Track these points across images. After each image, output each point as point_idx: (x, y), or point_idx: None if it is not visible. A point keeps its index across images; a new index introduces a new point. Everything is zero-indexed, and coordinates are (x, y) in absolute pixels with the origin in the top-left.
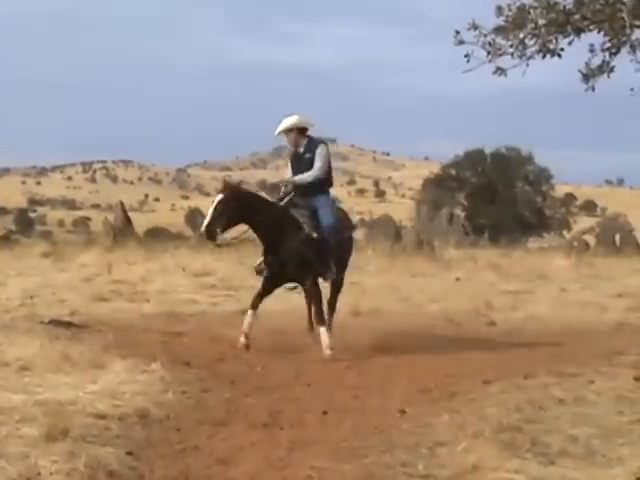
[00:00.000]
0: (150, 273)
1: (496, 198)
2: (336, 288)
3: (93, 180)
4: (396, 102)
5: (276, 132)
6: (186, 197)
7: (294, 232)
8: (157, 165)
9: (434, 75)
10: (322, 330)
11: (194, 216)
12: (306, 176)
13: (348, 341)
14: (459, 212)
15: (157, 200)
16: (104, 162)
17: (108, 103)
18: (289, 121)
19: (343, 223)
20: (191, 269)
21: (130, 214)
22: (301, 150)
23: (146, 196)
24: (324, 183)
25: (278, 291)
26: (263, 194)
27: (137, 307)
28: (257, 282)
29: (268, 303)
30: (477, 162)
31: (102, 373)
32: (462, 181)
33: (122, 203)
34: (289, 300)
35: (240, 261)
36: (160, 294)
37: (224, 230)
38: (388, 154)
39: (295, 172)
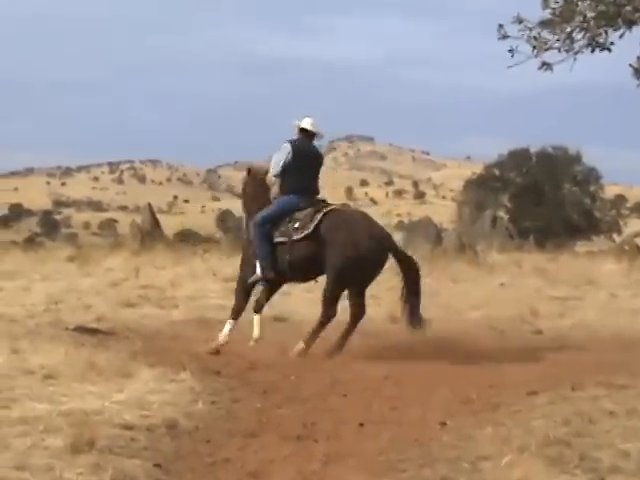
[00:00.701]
0: (179, 278)
1: (542, 200)
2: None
3: (120, 181)
4: (435, 99)
5: (316, 128)
6: (217, 199)
7: None
8: (186, 165)
9: (476, 70)
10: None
11: (225, 218)
12: None
13: (385, 349)
14: (503, 214)
15: (186, 202)
16: (132, 162)
17: (136, 101)
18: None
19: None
20: (222, 274)
21: (158, 216)
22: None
23: (175, 197)
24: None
25: (311, 295)
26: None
27: (165, 313)
28: (291, 287)
29: (302, 307)
30: (522, 162)
31: (129, 382)
32: (506, 182)
33: (150, 205)
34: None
35: None
36: (189, 300)
37: (251, 214)
38: (428, 153)
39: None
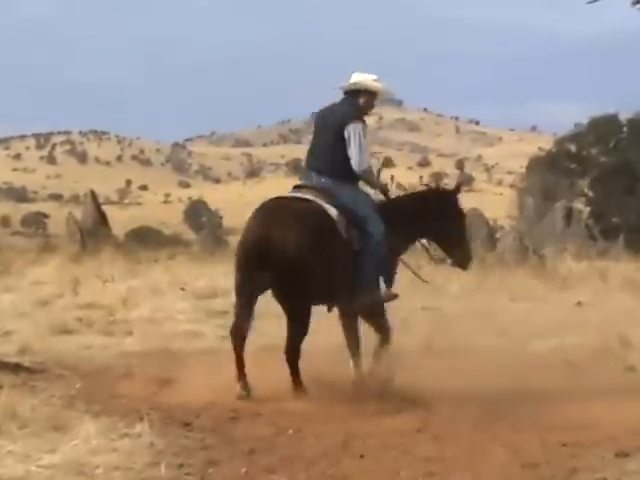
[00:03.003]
0: (133, 294)
1: (636, 186)
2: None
3: (52, 160)
4: (486, 47)
5: (386, 91)
6: (186, 184)
7: None
8: (143, 139)
9: (541, 8)
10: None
11: (197, 212)
12: None
13: (418, 391)
14: (581, 207)
15: (144, 188)
16: (68, 134)
17: (73, 49)
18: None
19: None
20: (193, 288)
21: (105, 208)
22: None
23: (128, 183)
24: None
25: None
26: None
27: (115, 342)
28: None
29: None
30: (608, 134)
31: (65, 438)
32: (586, 162)
33: (93, 193)
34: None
35: None
36: (148, 324)
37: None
38: (477, 123)
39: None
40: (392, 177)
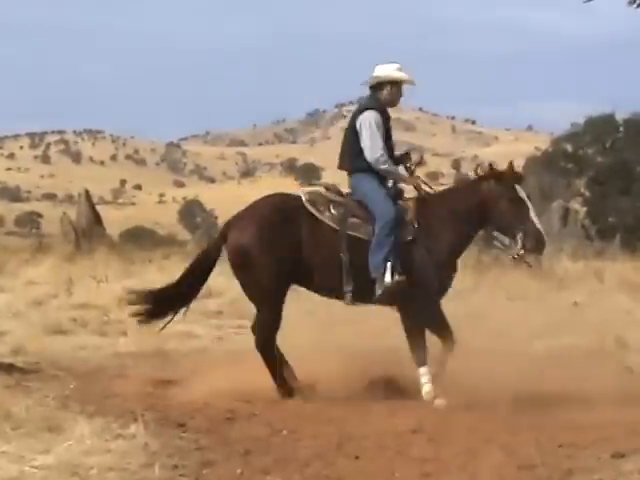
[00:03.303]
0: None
1: (633, 186)
2: None
3: (46, 159)
4: (484, 47)
5: (404, 77)
6: (180, 184)
7: None
8: (138, 138)
9: (540, 8)
10: None
11: (191, 211)
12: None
13: (413, 392)
14: (578, 207)
15: (138, 188)
16: (62, 133)
17: (69, 49)
18: (402, 70)
19: None
20: None
21: (100, 208)
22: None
23: (123, 183)
24: None
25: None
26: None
27: (109, 343)
28: (285, 307)
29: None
30: (605, 133)
31: (59, 439)
32: (582, 161)
33: (88, 193)
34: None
35: None
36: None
37: None
38: (474, 122)
39: (383, 146)
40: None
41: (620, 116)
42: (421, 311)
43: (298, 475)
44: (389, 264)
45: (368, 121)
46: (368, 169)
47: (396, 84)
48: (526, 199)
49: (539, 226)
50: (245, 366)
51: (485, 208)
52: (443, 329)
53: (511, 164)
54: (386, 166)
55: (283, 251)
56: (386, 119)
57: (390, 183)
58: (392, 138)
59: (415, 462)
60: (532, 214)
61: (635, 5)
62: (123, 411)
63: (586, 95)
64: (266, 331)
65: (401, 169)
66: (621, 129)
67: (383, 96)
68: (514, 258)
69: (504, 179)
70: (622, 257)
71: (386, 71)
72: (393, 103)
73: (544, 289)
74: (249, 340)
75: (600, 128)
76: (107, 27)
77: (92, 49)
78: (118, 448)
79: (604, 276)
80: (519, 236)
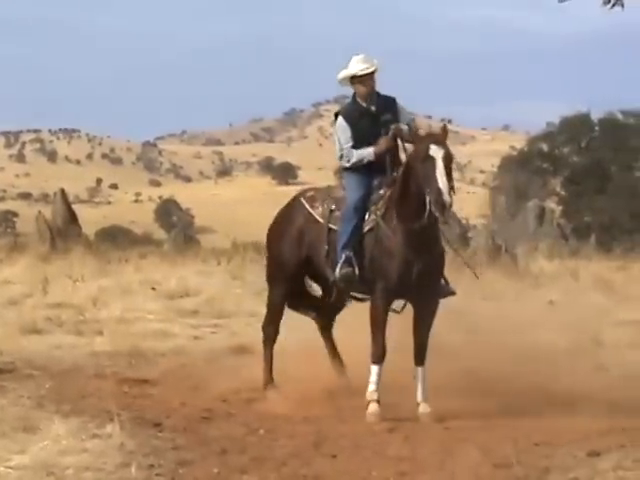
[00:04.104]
0: (104, 293)
1: (608, 185)
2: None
3: (21, 158)
4: (458, 46)
5: (356, 71)
6: (157, 183)
7: None
8: (114, 137)
9: (515, 6)
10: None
11: (168, 210)
12: None
13: (389, 390)
14: (553, 206)
15: (114, 187)
16: (37, 132)
17: (44, 48)
18: (367, 61)
19: None
20: (164, 288)
21: (75, 207)
22: (373, 108)
23: (99, 182)
24: None
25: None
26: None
27: (85, 342)
28: (261, 306)
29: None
30: (580, 133)
31: (34, 438)
32: (558, 161)
33: (64, 192)
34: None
35: (233, 275)
36: (118, 323)
37: None
38: (450, 121)
39: (368, 139)
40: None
41: (595, 116)
42: (372, 306)
43: (275, 474)
44: (344, 255)
45: (335, 128)
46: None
47: (356, 78)
48: (438, 157)
49: (441, 185)
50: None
51: (408, 176)
52: (374, 336)
53: (444, 126)
54: (350, 161)
55: (286, 242)
56: (361, 113)
57: (377, 176)
58: (378, 123)
59: (392, 461)
60: (438, 172)
61: (610, 5)
62: (99, 411)
63: (562, 95)
64: (269, 311)
65: (368, 149)
66: (596, 129)
67: (358, 93)
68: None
69: (420, 140)
70: (597, 256)
71: (343, 71)
72: (363, 96)
73: (520, 288)
74: (225, 339)
75: (575, 128)
76: (83, 26)
77: (68, 48)
78: (94, 448)
79: (579, 275)
80: (427, 198)
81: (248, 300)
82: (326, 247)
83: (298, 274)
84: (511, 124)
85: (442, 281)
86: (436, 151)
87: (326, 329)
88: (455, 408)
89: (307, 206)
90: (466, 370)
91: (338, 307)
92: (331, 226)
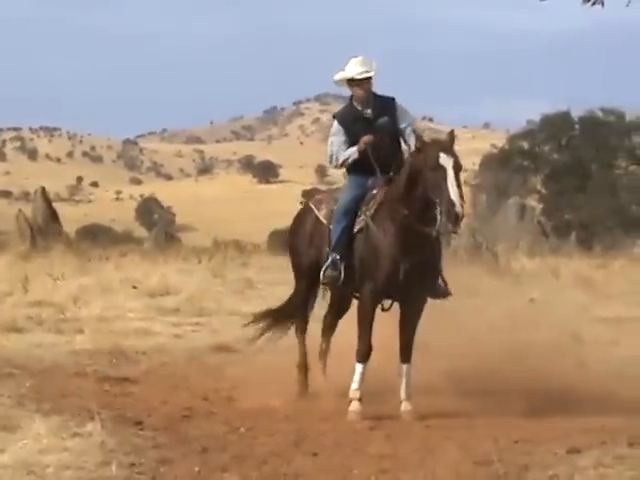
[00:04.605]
0: (85, 291)
1: (588, 183)
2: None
3: (1, 156)
4: (438, 44)
5: (354, 75)
6: (137, 181)
7: None
8: (95, 135)
9: (496, 6)
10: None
11: (149, 209)
12: None
13: (371, 389)
14: (534, 203)
15: (95, 185)
16: (17, 130)
17: (24, 46)
18: (366, 64)
19: None
20: (145, 286)
21: (56, 205)
22: (368, 111)
23: (79, 180)
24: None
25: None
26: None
27: (66, 340)
28: (241, 304)
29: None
30: (561, 131)
31: (14, 437)
32: (538, 159)
33: (44, 190)
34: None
35: (214, 273)
36: (99, 322)
37: None
38: (431, 119)
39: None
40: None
41: (576, 114)
42: (359, 305)
43: (256, 472)
44: (331, 257)
45: (330, 130)
46: (349, 168)
47: (354, 81)
48: (448, 167)
49: (453, 196)
50: None
51: (414, 181)
52: (361, 335)
53: (451, 133)
54: (338, 161)
55: (300, 243)
56: (355, 117)
57: (372, 176)
58: (373, 127)
59: (373, 459)
60: (449, 182)
61: (590, 3)
62: (80, 409)
63: (542, 93)
64: (292, 303)
65: (352, 148)
66: (577, 127)
67: (354, 95)
68: (439, 234)
69: (428, 147)
70: (578, 254)
71: (340, 73)
72: (359, 99)
73: (500, 286)
74: (206, 337)
75: (556, 126)
76: (63, 23)
77: (49, 46)
78: (75, 446)
79: (560, 272)
80: (438, 209)
81: (229, 298)
82: (327, 248)
83: (312, 273)
84: (492, 122)
85: (440, 281)
86: (446, 160)
87: (329, 329)
88: (436, 406)
89: (314, 208)
90: (446, 368)
91: (344, 308)
92: (331, 227)
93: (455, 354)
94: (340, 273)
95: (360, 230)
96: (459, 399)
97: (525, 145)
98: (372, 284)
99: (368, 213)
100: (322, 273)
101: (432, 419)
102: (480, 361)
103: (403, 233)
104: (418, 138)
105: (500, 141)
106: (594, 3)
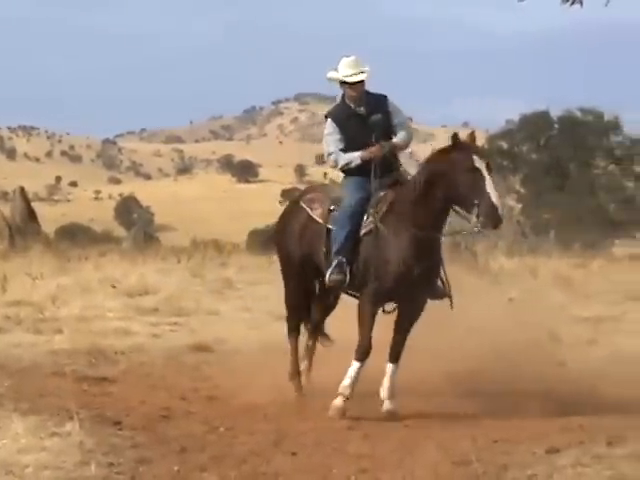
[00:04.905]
0: (63, 291)
1: (566, 183)
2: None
3: None
4: (418, 43)
5: (346, 78)
6: (117, 181)
7: None
8: (73, 134)
9: (476, 6)
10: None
11: (128, 208)
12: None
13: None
14: (513, 203)
15: (74, 185)
16: None
17: (3, 45)
18: (359, 65)
19: None
20: (123, 286)
21: (34, 205)
22: (362, 109)
23: (58, 179)
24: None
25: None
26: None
27: (44, 340)
28: (220, 304)
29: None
30: (539, 131)
31: None
32: (517, 158)
33: (23, 189)
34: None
35: (193, 273)
36: (78, 322)
37: None
38: (410, 119)
39: (357, 141)
40: (325, 173)
41: (554, 113)
42: (361, 305)
43: (235, 472)
44: (337, 260)
45: (325, 130)
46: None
47: (346, 82)
48: (484, 170)
49: (495, 200)
50: None
51: (435, 183)
52: (361, 333)
53: (472, 134)
54: (338, 164)
55: (289, 242)
56: (349, 115)
57: (374, 177)
58: (367, 124)
59: (352, 458)
60: (488, 186)
61: (569, 3)
62: (58, 409)
63: (521, 93)
64: (286, 306)
65: (355, 153)
66: (555, 126)
67: (347, 95)
68: (472, 233)
69: (461, 149)
70: (556, 253)
71: (332, 73)
72: (352, 98)
73: (479, 285)
74: (185, 337)
75: (535, 125)
76: (45, 22)
77: (28, 45)
78: (53, 446)
79: (539, 272)
80: (474, 210)
81: (207, 298)
82: (324, 248)
83: (303, 272)
84: (470, 121)
85: (439, 283)
86: (480, 162)
87: (315, 327)
88: (414, 406)
89: (306, 207)
90: (425, 368)
91: (331, 306)
92: (329, 227)
93: (433, 354)
94: (346, 276)
95: (367, 233)
96: (437, 399)
97: (504, 145)
98: (378, 286)
99: (377, 216)
100: (327, 276)
101: (411, 419)
102: (457, 361)
103: (416, 237)
104: (454, 137)
105: (479, 140)
106: (573, 3)
